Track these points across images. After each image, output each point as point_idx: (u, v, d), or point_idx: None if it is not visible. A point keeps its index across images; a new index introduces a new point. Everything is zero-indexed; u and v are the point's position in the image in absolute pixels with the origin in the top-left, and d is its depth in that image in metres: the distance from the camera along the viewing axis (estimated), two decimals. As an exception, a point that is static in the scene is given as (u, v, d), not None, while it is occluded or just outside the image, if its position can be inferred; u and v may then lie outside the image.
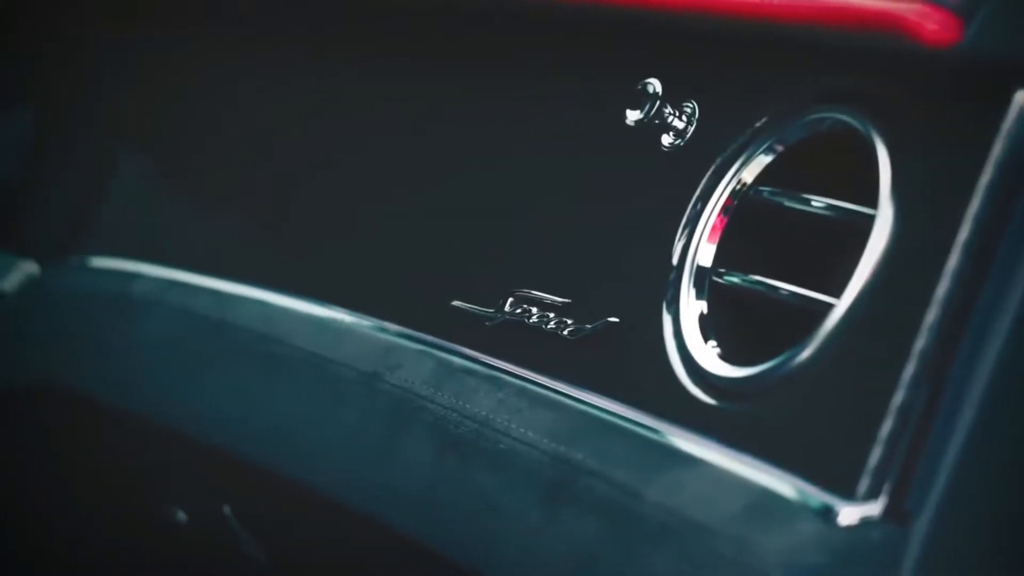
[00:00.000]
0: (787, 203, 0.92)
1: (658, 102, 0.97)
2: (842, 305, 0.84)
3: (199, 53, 1.52)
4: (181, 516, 1.40)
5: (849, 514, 0.78)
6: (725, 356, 0.91)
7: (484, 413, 0.99)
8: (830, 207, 0.89)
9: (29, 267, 1.58)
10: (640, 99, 0.97)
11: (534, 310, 1.02)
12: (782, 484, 0.82)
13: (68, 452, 1.46)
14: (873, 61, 0.87)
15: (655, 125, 0.98)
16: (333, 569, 1.22)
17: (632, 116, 0.98)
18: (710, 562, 0.82)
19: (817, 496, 0.80)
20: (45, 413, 1.44)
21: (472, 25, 1.13)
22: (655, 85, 0.97)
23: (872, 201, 0.86)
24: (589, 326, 0.98)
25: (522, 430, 0.96)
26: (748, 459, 0.85)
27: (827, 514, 0.79)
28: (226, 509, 1.32)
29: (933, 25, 0.80)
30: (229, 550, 1.36)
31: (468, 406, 1.01)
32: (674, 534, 0.84)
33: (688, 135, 0.98)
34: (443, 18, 1.15)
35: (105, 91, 1.67)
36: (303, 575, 1.31)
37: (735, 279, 0.93)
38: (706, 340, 0.92)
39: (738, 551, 0.80)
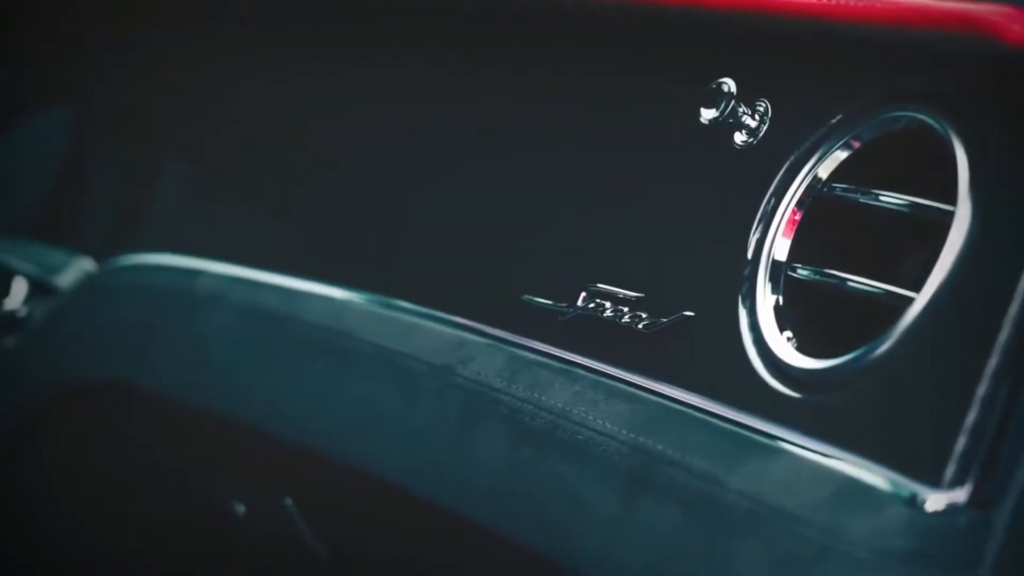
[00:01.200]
0: (862, 199, 0.94)
1: (732, 101, 0.99)
2: (923, 298, 0.86)
3: (241, 52, 1.55)
4: (239, 508, 1.42)
5: (936, 500, 0.81)
6: (802, 348, 0.94)
7: (560, 405, 1.01)
8: (906, 203, 0.92)
9: (85, 263, 1.60)
10: (715, 98, 0.99)
11: (607, 304, 1.04)
12: (866, 472, 0.84)
13: (127, 446, 1.49)
14: (952, 61, 0.89)
15: (729, 124, 1.00)
16: (397, 561, 1.24)
17: (707, 114, 1.00)
18: (797, 548, 0.84)
19: (903, 483, 0.82)
20: (105, 407, 1.46)
21: (555, 26, 1.15)
22: (730, 84, 0.99)
23: (947, 198, 0.89)
24: (664, 320, 1.00)
25: (600, 421, 0.98)
26: (830, 448, 0.87)
27: (914, 501, 0.81)
28: (287, 501, 1.34)
29: (1018, 27, 0.83)
30: (287, 543, 1.38)
31: (543, 398, 1.03)
32: (759, 521, 0.86)
33: (760, 134, 1.00)
34: (527, 17, 1.18)
35: (145, 92, 1.69)
36: (364, 566, 1.33)
37: (810, 273, 0.95)
38: (783, 333, 0.95)
39: (826, 536, 0.83)
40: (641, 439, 0.96)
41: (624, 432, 0.97)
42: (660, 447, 0.94)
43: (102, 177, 1.76)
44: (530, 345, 1.08)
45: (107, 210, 1.73)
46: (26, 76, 1.88)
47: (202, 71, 1.61)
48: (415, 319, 1.17)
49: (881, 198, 0.93)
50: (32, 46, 1.85)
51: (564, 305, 1.07)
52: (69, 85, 1.82)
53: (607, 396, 1.00)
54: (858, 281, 0.93)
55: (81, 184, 1.76)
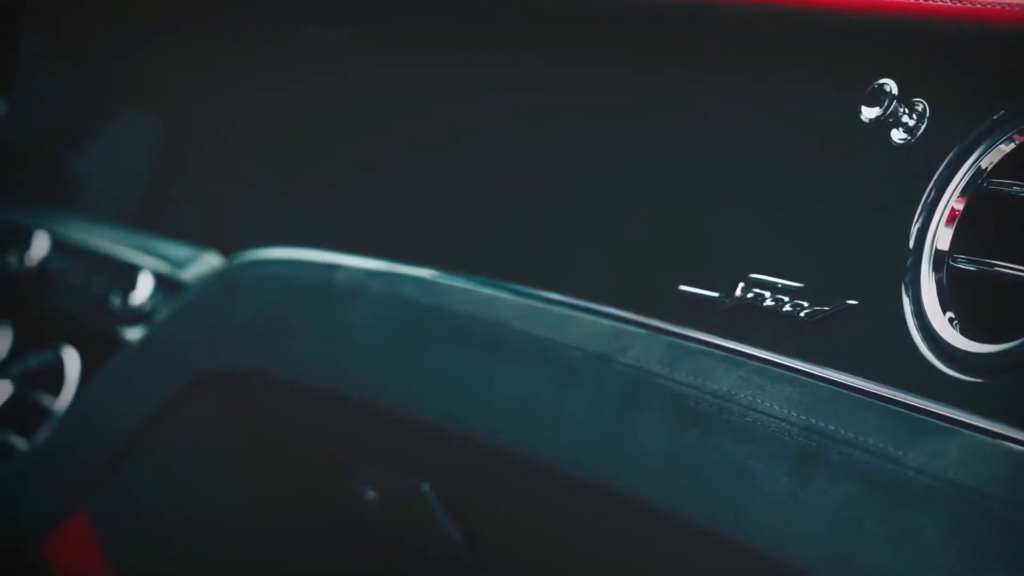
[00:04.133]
0: (1023, 192, 0.99)
1: (894, 101, 1.04)
2: (1093, 286, 0.91)
3: (340, 50, 1.59)
4: (371, 495, 1.47)
5: (1117, 476, 0.85)
6: (966, 334, 0.99)
7: (725, 389, 1.06)
8: (1071, 197, 0.97)
9: (211, 258, 1.65)
10: (877, 97, 1.04)
11: (767, 294, 1.09)
12: (1044, 450, 0.89)
13: (260, 435, 1.53)
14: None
15: (888, 123, 1.05)
16: (547, 543, 1.29)
17: (869, 113, 1.05)
18: (982, 522, 0.88)
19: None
20: (239, 398, 1.51)
21: (719, 27, 1.20)
22: (891, 85, 1.04)
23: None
24: (827, 308, 1.05)
25: (768, 404, 1.03)
26: (1005, 428, 0.92)
27: (1097, 476, 0.86)
28: (424, 487, 1.38)
29: None
30: (420, 529, 1.42)
31: (707, 383, 1.07)
32: (941, 496, 0.91)
33: (919, 132, 1.05)
34: (683, 22, 1.22)
35: (236, 94, 1.74)
36: (505, 551, 1.38)
37: (972, 263, 1.00)
38: (947, 317, 0.99)
39: (1011, 510, 0.87)
40: (812, 420, 1.00)
41: (794, 414, 1.01)
42: (832, 427, 0.99)
43: (194, 174, 1.79)
44: (689, 334, 1.12)
45: (202, 207, 1.77)
46: (112, 77, 1.92)
47: (282, 66, 1.65)
48: (567, 310, 1.21)
49: (1046, 191, 0.98)
50: (120, 48, 1.89)
51: (723, 295, 1.12)
52: (156, 85, 1.86)
53: (772, 381, 1.05)
54: (1020, 269, 0.97)
55: (175, 181, 1.80)
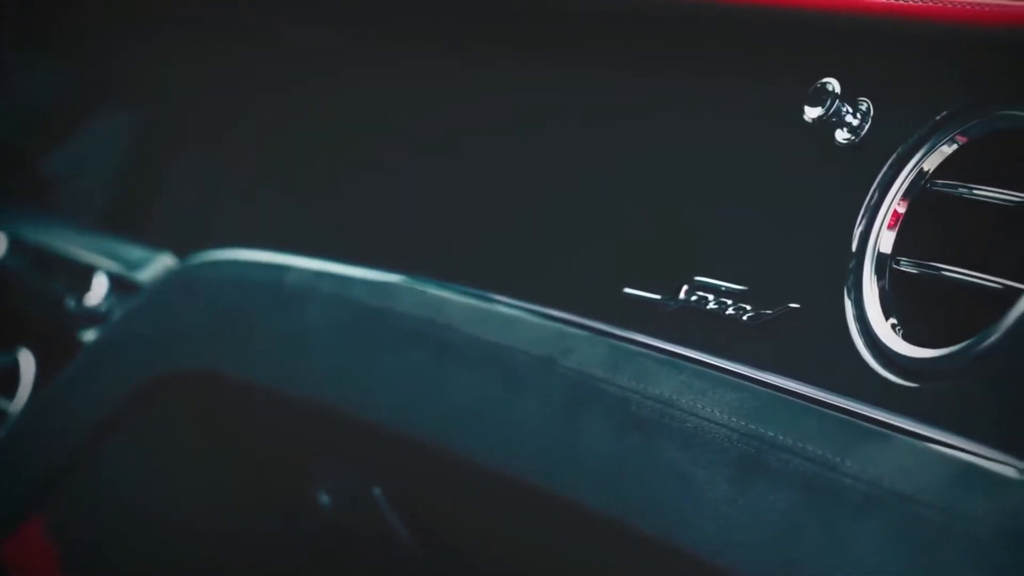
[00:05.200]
0: (966, 193, 0.97)
1: (836, 100, 1.02)
2: (1033, 289, 0.90)
3: (317, 48, 1.58)
4: (324, 499, 1.46)
5: (1056, 482, 0.84)
6: (908, 338, 0.97)
7: (667, 394, 1.05)
8: (1012, 198, 0.95)
9: (165, 259, 1.63)
10: (820, 96, 1.03)
11: (710, 297, 1.08)
12: (981, 456, 0.88)
13: (214, 436, 1.52)
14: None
15: (831, 122, 1.03)
16: (495, 547, 1.28)
17: (811, 113, 1.03)
18: (918, 529, 0.87)
19: (1020, 466, 0.86)
20: (192, 399, 1.50)
21: (659, 25, 1.18)
22: (834, 84, 1.03)
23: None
24: (769, 311, 1.04)
25: (708, 409, 1.02)
26: (944, 435, 0.91)
27: (1033, 482, 0.85)
28: (375, 491, 1.37)
29: None
30: (372, 532, 1.41)
31: (649, 388, 1.06)
32: (878, 503, 0.89)
33: (863, 132, 1.03)
34: (630, 18, 1.21)
35: (211, 88, 1.72)
36: (455, 554, 1.37)
37: (915, 266, 0.99)
38: (889, 323, 0.98)
39: (947, 518, 0.86)
40: (751, 426, 0.99)
41: (734, 419, 1.00)
42: (771, 433, 0.98)
43: (172, 174, 1.79)
44: (632, 337, 1.11)
45: (175, 207, 1.76)
46: (90, 76, 1.91)
47: (262, 67, 1.64)
48: (513, 312, 1.20)
49: (986, 193, 0.96)
50: (94, 46, 1.88)
51: (666, 298, 1.10)
52: (134, 84, 1.85)
53: (714, 385, 1.03)
54: (963, 273, 0.96)
55: (154, 181, 1.79)
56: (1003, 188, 0.95)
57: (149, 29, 1.81)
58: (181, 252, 1.62)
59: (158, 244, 1.67)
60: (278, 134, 1.62)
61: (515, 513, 1.20)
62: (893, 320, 0.98)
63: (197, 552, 1.57)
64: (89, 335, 1.64)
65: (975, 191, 0.97)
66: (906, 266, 0.99)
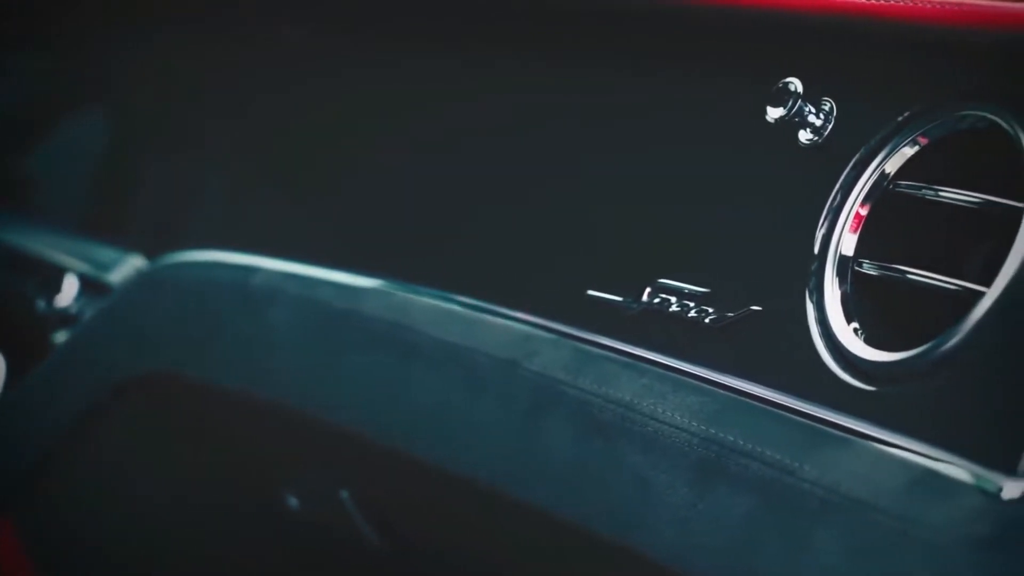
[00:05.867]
0: (928, 195, 0.96)
1: (799, 100, 1.01)
2: (993, 292, 0.88)
3: (286, 46, 1.57)
4: (292, 502, 1.44)
5: (1012, 488, 0.83)
6: (869, 341, 0.96)
7: (628, 398, 1.04)
8: (974, 199, 0.94)
9: (135, 260, 1.62)
10: (782, 97, 1.01)
11: (673, 299, 1.07)
12: (940, 462, 0.87)
13: (183, 438, 1.51)
14: (1021, 61, 0.92)
15: (794, 122, 1.02)
16: (459, 550, 1.27)
17: (774, 113, 1.02)
18: (875, 535, 0.86)
19: (978, 472, 0.85)
20: (161, 401, 1.48)
21: (623, 25, 1.17)
22: (796, 84, 1.01)
23: (1015, 195, 0.91)
24: (731, 314, 1.03)
25: (669, 413, 1.01)
26: (903, 439, 0.90)
27: (990, 489, 0.83)
28: (343, 494, 1.36)
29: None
30: (341, 536, 1.40)
31: (611, 391, 1.05)
32: (836, 509, 0.88)
33: (826, 132, 1.02)
34: (587, 17, 1.20)
35: (183, 88, 1.71)
36: (423, 557, 1.35)
37: (876, 268, 0.97)
38: (850, 326, 0.97)
39: (903, 524, 0.85)
40: (712, 430, 0.98)
41: (694, 424, 0.99)
42: (731, 438, 0.97)
43: (145, 175, 1.78)
44: (595, 340, 1.10)
45: (152, 208, 1.75)
46: (63, 76, 1.90)
47: (239, 67, 1.63)
48: (478, 314, 1.19)
49: (948, 194, 0.95)
50: (68, 46, 1.87)
51: (629, 300, 1.09)
52: (107, 84, 1.84)
53: (675, 389, 1.02)
54: (925, 275, 0.95)
55: (125, 182, 1.78)
56: (964, 189, 0.94)
57: (127, 28, 1.80)
58: (156, 253, 1.61)
59: (133, 245, 1.66)
60: (264, 134, 1.61)
61: (479, 516, 1.19)
62: (855, 324, 0.97)
63: (165, 554, 1.56)
64: (60, 336, 1.63)
65: (938, 192, 0.96)
66: (868, 268, 0.98)
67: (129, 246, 1.65)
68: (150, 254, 1.61)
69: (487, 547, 1.23)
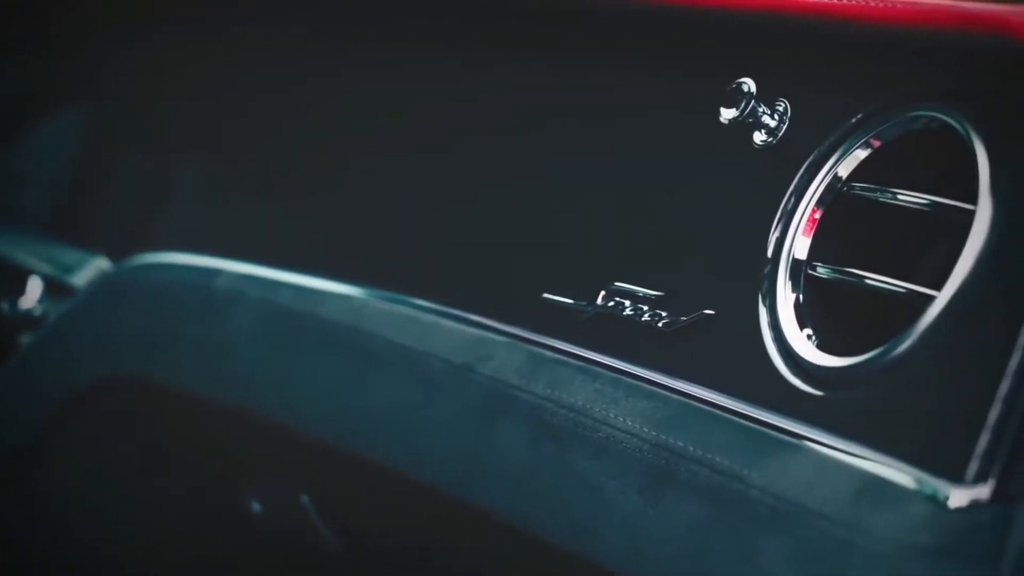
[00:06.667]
0: (882, 197, 0.95)
1: (752, 101, 1.00)
2: (944, 296, 0.87)
3: (254, 49, 1.55)
4: (255, 507, 1.43)
5: (959, 497, 0.81)
6: (822, 346, 0.95)
7: (580, 403, 1.02)
8: (926, 202, 0.93)
9: (100, 262, 1.61)
10: (735, 97, 1.00)
11: (627, 303, 1.05)
12: (888, 469, 0.85)
13: (145, 442, 1.49)
14: (972, 61, 0.90)
15: (748, 123, 1.01)
16: (415, 555, 1.26)
17: (727, 114, 1.01)
18: (822, 544, 0.85)
19: (926, 480, 0.83)
20: (123, 404, 1.47)
21: (576, 25, 1.16)
22: (750, 84, 1.00)
23: (967, 197, 0.90)
24: (684, 318, 1.01)
25: (621, 419, 0.99)
26: (852, 446, 0.88)
27: (937, 497, 0.82)
28: (303, 499, 1.35)
29: (1040, 27, 0.84)
30: (302, 540, 1.39)
31: (564, 396, 1.04)
32: (783, 517, 0.87)
33: (780, 133, 1.01)
34: (552, 16, 1.19)
35: (157, 89, 1.70)
36: (381, 561, 1.34)
37: (829, 272, 0.96)
38: (803, 331, 0.96)
39: (849, 532, 0.83)
40: (663, 436, 0.97)
41: (645, 429, 0.98)
42: (681, 444, 0.95)
43: (115, 177, 1.76)
44: (549, 343, 1.09)
45: (120, 210, 1.74)
46: (37, 76, 1.89)
47: (215, 68, 1.62)
48: (434, 317, 1.18)
49: (901, 197, 0.94)
50: (41, 46, 1.86)
51: (584, 303, 1.08)
52: (80, 84, 1.83)
53: (627, 394, 1.01)
54: (877, 279, 0.94)
55: (94, 184, 1.77)
56: (917, 191, 0.93)
57: (99, 29, 1.79)
58: (120, 256, 1.59)
59: (97, 247, 1.65)
60: (229, 134, 1.60)
61: (435, 519, 1.18)
62: (808, 329, 0.96)
63: (128, 558, 1.55)
64: (25, 338, 1.62)
65: (895, 195, 0.94)
66: (821, 272, 0.96)
67: (93, 248, 1.63)
68: (114, 256, 1.59)
69: (443, 549, 1.22)
